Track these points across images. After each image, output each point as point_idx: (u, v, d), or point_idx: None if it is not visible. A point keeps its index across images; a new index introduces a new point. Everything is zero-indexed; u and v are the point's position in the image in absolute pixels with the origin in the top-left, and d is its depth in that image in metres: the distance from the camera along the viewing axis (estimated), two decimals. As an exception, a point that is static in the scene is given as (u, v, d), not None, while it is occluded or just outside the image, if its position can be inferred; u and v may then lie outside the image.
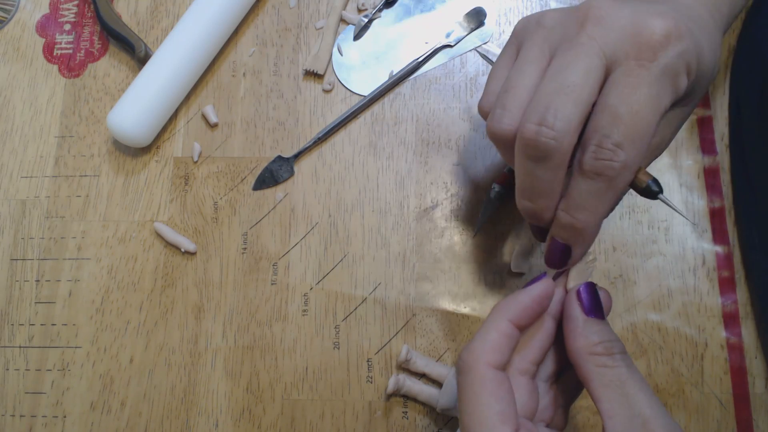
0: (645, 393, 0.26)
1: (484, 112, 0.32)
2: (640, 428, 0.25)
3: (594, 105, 0.27)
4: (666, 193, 0.42)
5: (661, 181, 0.42)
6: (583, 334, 0.28)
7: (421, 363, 0.39)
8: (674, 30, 0.27)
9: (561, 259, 0.30)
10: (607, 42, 0.27)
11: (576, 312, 0.29)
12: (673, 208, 0.29)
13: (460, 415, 0.28)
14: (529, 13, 0.47)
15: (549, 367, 0.31)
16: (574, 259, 0.30)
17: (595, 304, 0.29)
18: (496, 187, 0.41)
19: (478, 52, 0.41)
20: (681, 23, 0.27)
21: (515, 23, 0.47)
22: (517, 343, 0.30)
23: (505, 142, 0.29)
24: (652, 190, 0.29)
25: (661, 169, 0.43)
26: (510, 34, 0.32)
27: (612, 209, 0.29)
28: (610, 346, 0.28)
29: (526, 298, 0.29)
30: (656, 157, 0.32)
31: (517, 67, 0.30)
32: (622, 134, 0.26)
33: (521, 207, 0.30)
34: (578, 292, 0.29)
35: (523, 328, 0.30)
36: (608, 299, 0.31)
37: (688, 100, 0.30)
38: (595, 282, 0.30)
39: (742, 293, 0.40)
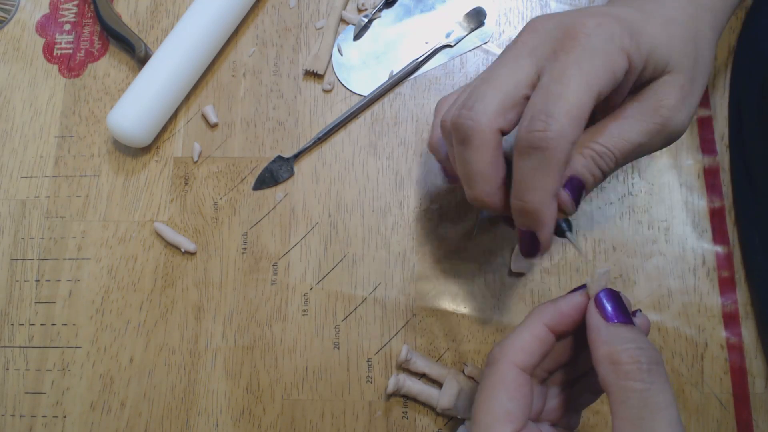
0: (665, 423, 0.24)
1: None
2: None
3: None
4: (666, 193, 0.42)
5: (661, 181, 0.42)
6: (606, 340, 0.26)
7: (421, 363, 0.39)
8: (597, 21, 0.28)
9: (531, 248, 0.30)
10: (535, 44, 0.29)
11: (595, 319, 0.27)
12: (578, 250, 0.31)
13: (474, 403, 0.29)
14: (529, 14, 0.47)
15: (565, 373, 0.31)
16: (544, 245, 0.30)
17: (618, 309, 0.27)
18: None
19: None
20: (607, 17, 0.28)
21: (515, 24, 0.47)
22: (551, 349, 0.29)
23: (445, 133, 0.32)
24: (560, 228, 0.30)
25: (661, 169, 0.43)
26: None
27: (558, 187, 0.29)
28: (637, 354, 0.25)
29: (564, 305, 0.29)
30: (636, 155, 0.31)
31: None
32: (552, 105, 0.27)
33: (467, 196, 0.31)
34: (597, 299, 0.28)
35: (560, 334, 0.29)
36: (645, 320, 0.29)
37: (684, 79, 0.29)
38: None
39: (742, 293, 0.40)
